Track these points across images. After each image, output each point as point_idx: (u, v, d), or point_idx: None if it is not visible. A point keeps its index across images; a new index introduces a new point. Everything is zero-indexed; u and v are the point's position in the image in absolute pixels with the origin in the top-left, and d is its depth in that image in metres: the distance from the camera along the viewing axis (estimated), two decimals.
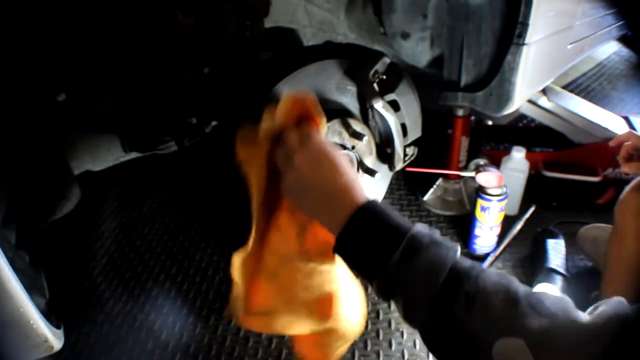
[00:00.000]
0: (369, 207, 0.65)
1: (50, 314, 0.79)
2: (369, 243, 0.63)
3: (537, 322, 0.52)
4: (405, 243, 0.60)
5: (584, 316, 0.53)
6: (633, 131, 1.14)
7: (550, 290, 1.16)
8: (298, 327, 0.82)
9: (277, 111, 0.75)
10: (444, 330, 0.57)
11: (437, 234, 0.64)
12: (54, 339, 0.74)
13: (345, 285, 0.84)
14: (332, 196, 0.68)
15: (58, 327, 0.80)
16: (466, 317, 0.55)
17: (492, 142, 1.91)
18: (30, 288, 0.73)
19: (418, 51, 1.27)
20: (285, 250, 0.80)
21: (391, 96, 1.17)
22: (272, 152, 0.77)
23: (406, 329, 1.17)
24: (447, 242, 0.63)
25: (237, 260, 0.80)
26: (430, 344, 0.61)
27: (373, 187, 1.36)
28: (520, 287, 0.57)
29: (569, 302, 0.55)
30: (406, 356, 1.11)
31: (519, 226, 1.46)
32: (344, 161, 0.72)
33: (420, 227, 0.63)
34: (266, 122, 0.75)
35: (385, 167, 1.28)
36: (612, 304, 0.53)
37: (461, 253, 1.41)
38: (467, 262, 0.61)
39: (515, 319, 0.53)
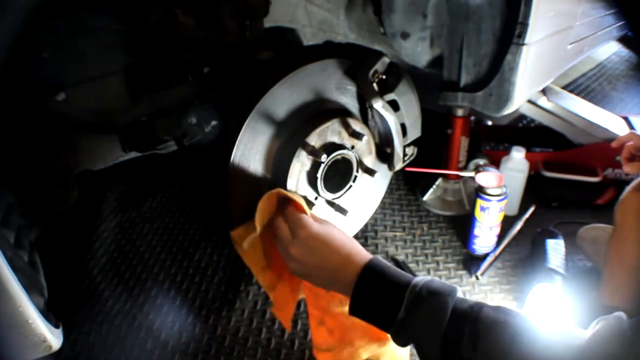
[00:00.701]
0: (369, 272, 0.73)
1: (49, 314, 0.79)
2: (376, 305, 0.72)
3: (537, 351, 0.57)
4: (406, 300, 0.67)
5: (583, 336, 0.57)
6: (635, 132, 1.15)
7: (550, 290, 1.16)
8: (363, 354, 0.90)
9: (257, 216, 0.85)
10: None
11: (435, 281, 0.69)
12: (53, 338, 0.74)
13: None
14: (334, 274, 0.77)
15: (57, 327, 0.80)
16: (473, 357, 0.61)
17: (491, 142, 1.91)
18: (29, 287, 0.72)
19: (418, 51, 1.27)
20: (321, 303, 0.90)
21: (391, 96, 1.17)
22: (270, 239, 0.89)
23: None
24: (445, 287, 0.68)
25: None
26: None
27: (372, 187, 1.36)
28: (518, 319, 0.62)
29: (565, 326, 0.60)
30: None
31: (518, 226, 1.46)
32: (335, 233, 0.80)
33: (419, 280, 0.70)
34: (250, 228, 0.87)
35: (384, 167, 1.28)
36: (611, 321, 0.55)
37: (461, 253, 1.41)
38: (465, 304, 0.66)
39: (517, 352, 0.58)
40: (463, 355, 0.61)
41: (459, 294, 0.68)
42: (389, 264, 0.75)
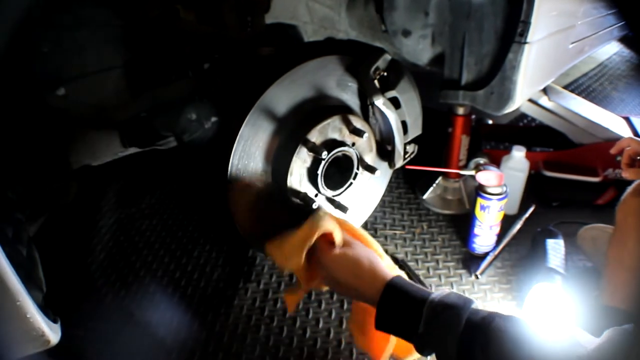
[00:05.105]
0: (390, 291, 0.82)
1: (48, 309, 0.79)
2: (399, 321, 0.81)
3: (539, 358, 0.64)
4: (424, 315, 0.76)
5: (588, 345, 0.62)
6: (633, 137, 1.14)
7: (550, 290, 1.16)
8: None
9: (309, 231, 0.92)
10: None
11: (451, 296, 0.77)
12: (51, 333, 0.74)
13: None
14: (357, 291, 0.87)
15: (55, 322, 0.79)
16: None
17: (492, 141, 1.91)
18: (28, 282, 0.72)
19: (419, 49, 1.26)
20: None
21: (392, 93, 1.17)
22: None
23: None
24: (459, 300, 0.76)
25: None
26: None
27: (373, 185, 1.35)
28: (521, 329, 0.68)
29: (571, 333, 0.66)
30: None
31: (518, 225, 1.46)
32: (349, 255, 0.89)
33: (435, 295, 0.78)
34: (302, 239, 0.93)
35: (385, 164, 1.28)
36: (617, 334, 0.58)
37: (460, 252, 1.42)
38: (479, 315, 0.73)
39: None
40: None
41: (474, 306, 0.75)
42: (409, 281, 0.84)
